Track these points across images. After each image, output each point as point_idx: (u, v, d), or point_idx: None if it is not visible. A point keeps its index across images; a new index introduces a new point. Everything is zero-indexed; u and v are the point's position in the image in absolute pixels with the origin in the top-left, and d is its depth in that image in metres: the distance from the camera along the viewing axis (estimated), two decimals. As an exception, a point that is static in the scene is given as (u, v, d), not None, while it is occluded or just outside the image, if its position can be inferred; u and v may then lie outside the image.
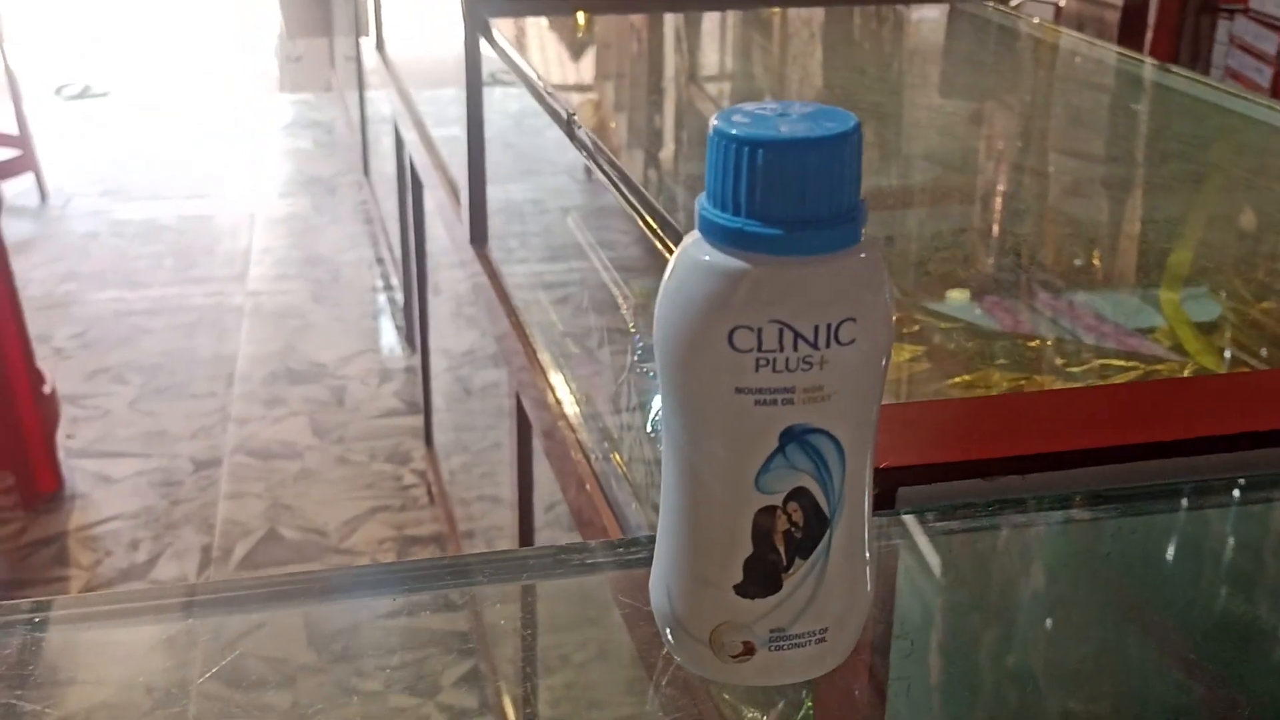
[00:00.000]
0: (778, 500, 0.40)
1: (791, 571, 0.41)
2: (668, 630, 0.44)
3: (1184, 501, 0.57)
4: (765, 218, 0.38)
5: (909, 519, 0.54)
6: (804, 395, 0.39)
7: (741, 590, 0.41)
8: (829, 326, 0.38)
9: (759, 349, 0.39)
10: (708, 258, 0.39)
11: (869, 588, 0.44)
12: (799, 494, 0.40)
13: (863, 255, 0.39)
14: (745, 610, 0.42)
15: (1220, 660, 0.50)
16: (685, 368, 0.40)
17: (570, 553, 0.50)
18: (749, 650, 0.42)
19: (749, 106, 0.39)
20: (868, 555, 0.44)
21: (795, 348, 0.38)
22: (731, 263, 0.38)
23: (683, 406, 0.41)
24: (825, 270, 0.38)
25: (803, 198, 0.38)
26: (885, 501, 0.54)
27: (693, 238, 0.40)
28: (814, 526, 0.41)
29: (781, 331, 0.38)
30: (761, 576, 0.41)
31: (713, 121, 0.39)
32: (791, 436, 0.40)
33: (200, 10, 6.47)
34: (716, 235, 0.39)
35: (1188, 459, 0.56)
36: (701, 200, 0.40)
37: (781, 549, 0.41)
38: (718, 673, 0.43)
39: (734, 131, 0.38)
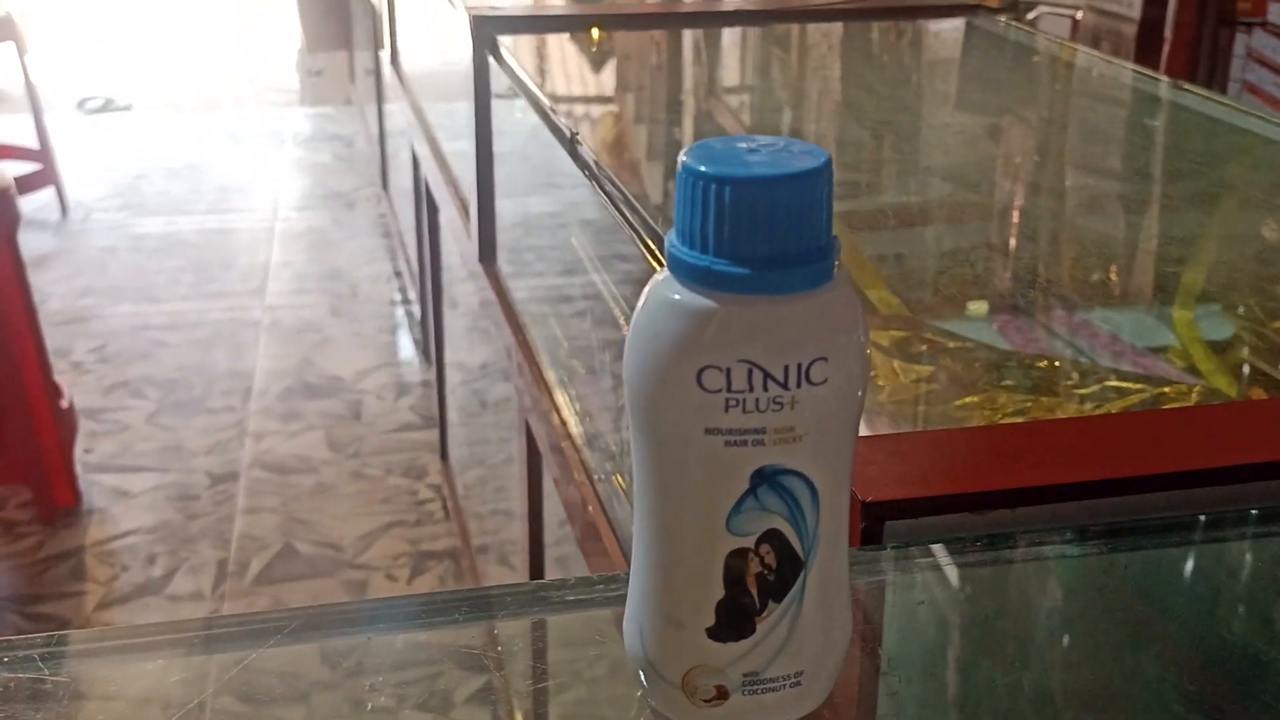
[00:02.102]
0: (750, 542, 0.40)
1: (764, 615, 0.40)
2: (640, 672, 0.43)
3: (1179, 536, 0.56)
4: (733, 256, 0.37)
5: (897, 553, 0.53)
6: (775, 436, 0.38)
7: (714, 634, 0.41)
8: (799, 366, 0.38)
9: (728, 389, 0.38)
10: (676, 296, 0.38)
11: (848, 628, 0.43)
12: (771, 536, 0.40)
13: (834, 293, 0.38)
14: (718, 654, 0.41)
15: (1220, 700, 0.49)
16: (654, 407, 0.39)
17: (549, 589, 0.49)
18: (722, 695, 0.41)
19: (719, 142, 0.39)
20: (847, 595, 0.43)
21: (765, 388, 0.38)
22: (699, 301, 0.38)
23: (652, 446, 0.40)
24: (795, 309, 0.38)
25: (771, 236, 0.37)
26: (872, 536, 0.53)
27: (663, 275, 0.39)
28: (787, 569, 0.40)
29: (751, 371, 0.38)
30: (734, 620, 0.40)
31: (681, 157, 0.38)
32: (763, 478, 0.39)
33: (222, 24, 6.51)
34: (685, 273, 0.38)
35: (1183, 492, 0.55)
36: (671, 237, 0.39)
37: (754, 592, 0.40)
38: (691, 717, 0.42)
39: (701, 168, 0.37)
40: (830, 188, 0.38)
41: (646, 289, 0.40)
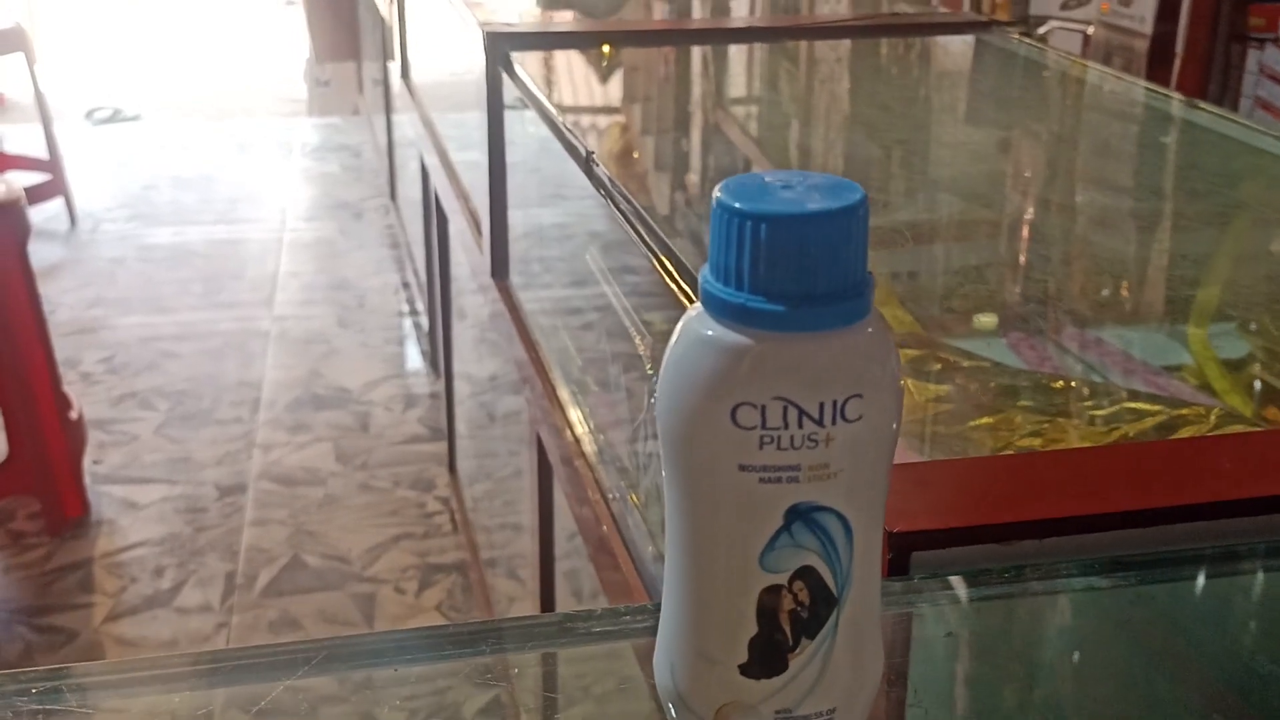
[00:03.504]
0: (783, 579, 0.39)
1: (798, 652, 0.40)
2: (671, 706, 0.43)
3: (1208, 567, 0.56)
4: (768, 293, 0.37)
5: (924, 585, 0.52)
6: (810, 473, 0.38)
7: (746, 670, 0.40)
8: (835, 403, 0.37)
9: (763, 426, 0.38)
10: (710, 332, 0.38)
11: (880, 664, 0.43)
12: (805, 573, 0.39)
13: (869, 330, 0.38)
14: (750, 690, 0.41)
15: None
16: (688, 443, 0.39)
17: (575, 620, 0.49)
18: (754, 731, 0.41)
19: (753, 176, 0.39)
20: (879, 631, 0.43)
21: (800, 425, 0.37)
22: (734, 338, 0.38)
23: (685, 482, 0.40)
24: (830, 346, 0.37)
25: (806, 273, 0.37)
26: (899, 567, 0.53)
27: (696, 310, 0.39)
28: (821, 606, 0.40)
29: (786, 409, 0.37)
30: (767, 656, 0.40)
31: (715, 193, 0.38)
32: (797, 515, 0.39)
33: (230, 34, 6.53)
34: (719, 309, 0.38)
35: (1212, 523, 0.55)
36: (705, 272, 0.39)
37: (787, 629, 0.40)
38: (722, 753, 0.42)
39: (736, 204, 0.37)
40: (866, 224, 0.38)
41: (680, 324, 0.39)
